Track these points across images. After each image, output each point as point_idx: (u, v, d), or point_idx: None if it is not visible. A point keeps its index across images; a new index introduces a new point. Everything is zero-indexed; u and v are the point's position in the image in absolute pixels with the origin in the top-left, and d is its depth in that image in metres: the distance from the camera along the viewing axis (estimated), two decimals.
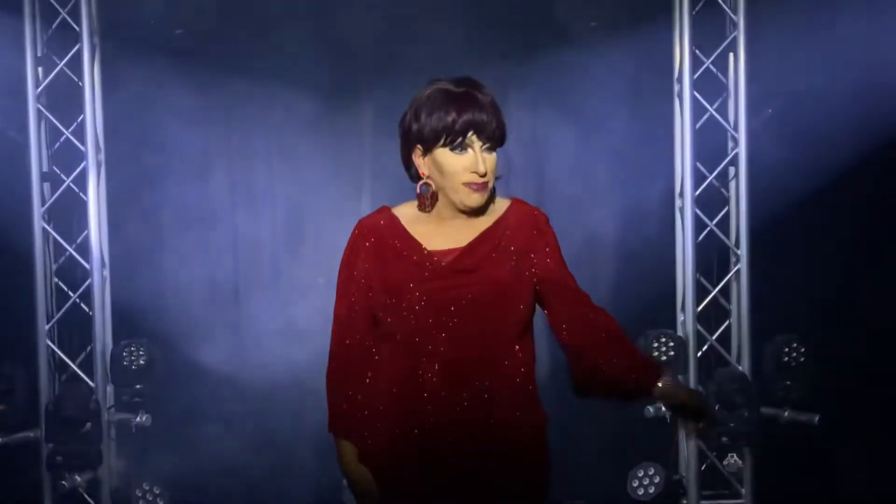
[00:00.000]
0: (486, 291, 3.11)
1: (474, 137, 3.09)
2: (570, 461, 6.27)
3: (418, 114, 3.12)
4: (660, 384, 3.13)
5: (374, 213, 3.26)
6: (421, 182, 3.16)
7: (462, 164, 3.10)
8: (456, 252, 3.15)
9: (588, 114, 6.69)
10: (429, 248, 3.17)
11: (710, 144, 6.39)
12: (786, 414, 6.36)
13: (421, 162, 3.15)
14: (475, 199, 3.14)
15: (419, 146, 3.14)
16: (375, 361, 3.22)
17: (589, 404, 6.65)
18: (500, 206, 3.24)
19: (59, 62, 6.17)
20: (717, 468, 6.49)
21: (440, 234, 3.20)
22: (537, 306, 3.21)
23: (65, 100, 6.26)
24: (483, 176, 3.11)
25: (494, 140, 3.12)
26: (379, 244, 3.21)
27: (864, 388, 6.47)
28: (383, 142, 6.31)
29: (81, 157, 6.23)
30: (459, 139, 3.09)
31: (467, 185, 3.12)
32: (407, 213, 3.23)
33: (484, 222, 3.19)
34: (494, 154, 3.14)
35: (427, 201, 3.17)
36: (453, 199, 3.15)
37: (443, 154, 3.10)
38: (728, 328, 6.52)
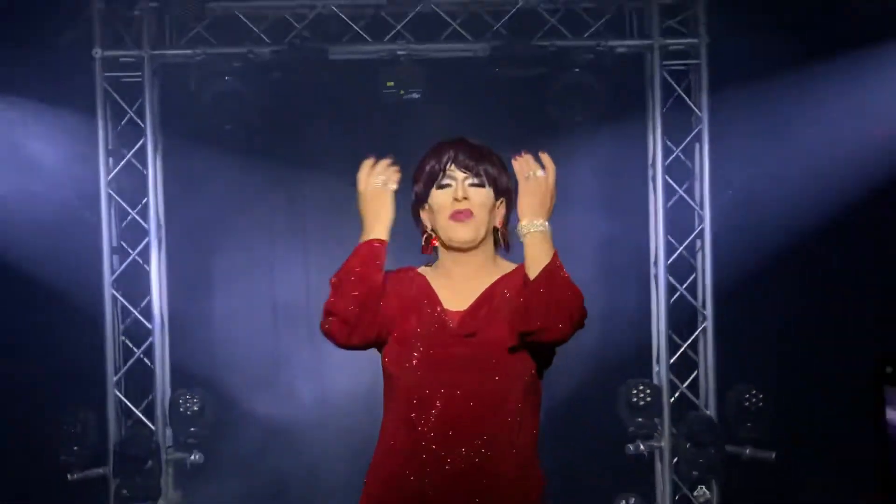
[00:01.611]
0: (484, 355, 2.95)
1: (454, 167, 2.99)
2: (560, 490, 6.49)
3: (417, 170, 3.07)
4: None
5: (400, 269, 3.13)
6: (424, 235, 3.08)
7: (448, 198, 3.00)
8: (463, 314, 3.01)
9: (574, 194, 6.87)
10: (445, 307, 3.02)
11: (680, 220, 6.85)
12: (747, 451, 6.75)
13: (424, 216, 3.06)
14: (459, 233, 2.99)
15: (421, 201, 3.06)
16: (386, 414, 3.07)
17: (581, 444, 7.21)
18: (506, 267, 3.07)
19: (126, 154, 6.78)
20: (689, 499, 6.86)
21: (453, 292, 3.05)
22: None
23: (131, 185, 6.77)
24: (462, 201, 2.98)
25: (477, 174, 3.00)
26: (402, 287, 3.07)
27: (814, 429, 6.76)
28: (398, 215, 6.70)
29: (145, 233, 6.75)
30: (441, 173, 3.01)
31: (452, 217, 2.99)
32: (426, 270, 3.11)
33: (486, 282, 3.03)
34: (484, 189, 2.98)
35: (427, 247, 3.09)
36: (445, 240, 3.03)
37: (433, 195, 3.02)
38: (696, 377, 6.93)
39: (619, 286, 7.12)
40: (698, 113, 6.81)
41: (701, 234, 6.87)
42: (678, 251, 6.87)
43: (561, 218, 7.06)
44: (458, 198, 2.95)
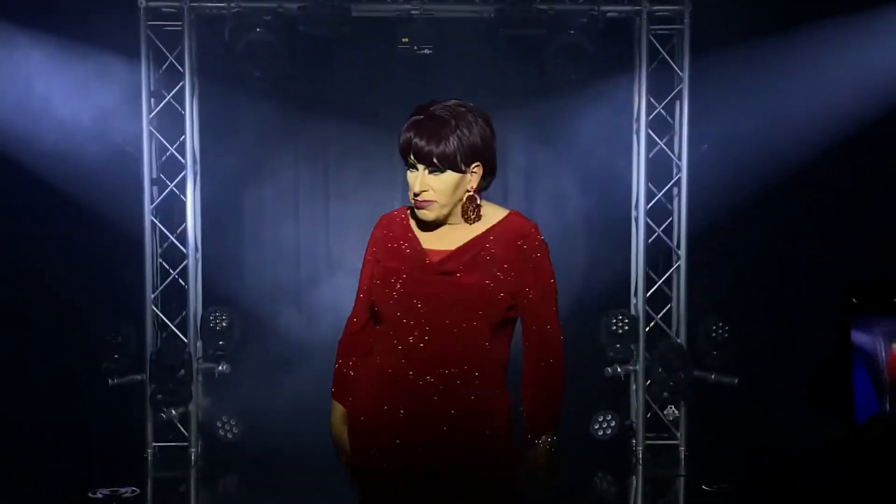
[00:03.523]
0: (457, 294, 3.06)
1: (415, 159, 3.06)
2: None
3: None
4: (537, 443, 3.11)
5: (395, 210, 3.27)
6: None
7: (413, 180, 3.09)
8: (445, 254, 3.11)
9: (567, 144, 7.48)
10: (425, 246, 3.14)
11: (660, 170, 7.15)
12: (712, 377, 7.15)
13: None
14: (422, 215, 3.11)
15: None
16: (376, 335, 3.21)
17: (565, 365, 7.60)
18: (495, 217, 3.15)
19: (166, 95, 7.01)
20: (659, 417, 7.23)
21: (439, 235, 3.15)
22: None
23: (170, 124, 7.03)
24: (417, 195, 3.07)
25: (432, 165, 3.03)
26: (388, 236, 3.19)
27: (773, 357, 7.24)
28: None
29: (182, 167, 7.03)
30: (406, 160, 3.09)
31: (415, 202, 3.11)
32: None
33: (474, 230, 3.13)
34: (445, 174, 3.04)
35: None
36: None
37: (407, 172, 3.13)
38: (670, 310, 7.25)
39: (603, 226, 7.48)
40: (680, 73, 7.04)
41: (678, 183, 7.14)
42: (657, 197, 7.14)
43: (554, 165, 7.64)
44: (416, 191, 3.06)
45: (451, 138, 3.01)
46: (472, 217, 3.12)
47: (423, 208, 3.09)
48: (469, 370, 3.06)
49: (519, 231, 3.11)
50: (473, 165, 3.07)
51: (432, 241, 3.14)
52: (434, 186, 3.04)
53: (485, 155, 3.07)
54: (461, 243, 3.10)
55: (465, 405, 3.07)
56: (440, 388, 3.05)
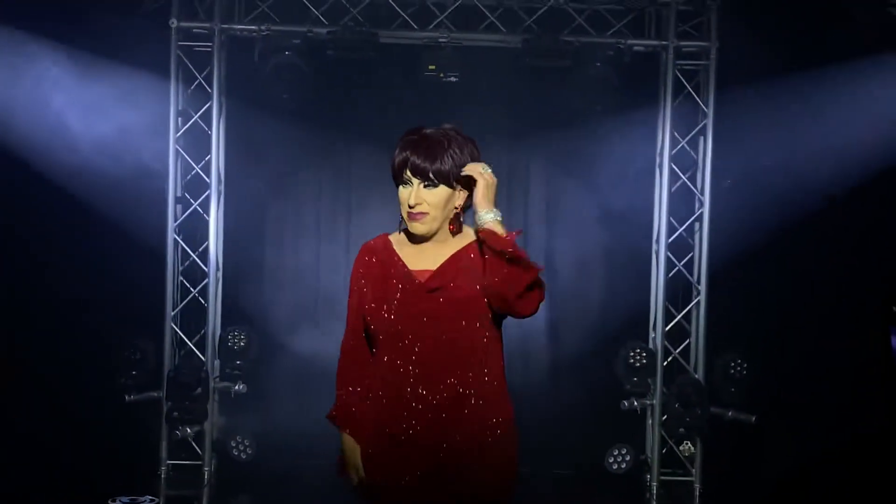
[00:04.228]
0: (448, 307, 3.29)
1: (410, 175, 3.28)
2: (560, 440, 7.28)
3: (392, 159, 3.35)
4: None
5: (375, 238, 3.49)
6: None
7: (406, 195, 3.30)
8: (430, 273, 3.33)
9: (590, 176, 7.53)
10: (410, 268, 3.35)
11: (682, 204, 7.14)
12: (729, 413, 7.08)
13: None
14: (415, 227, 3.33)
15: (394, 181, 3.37)
16: (372, 358, 3.41)
17: (582, 397, 7.53)
18: (471, 234, 3.38)
19: (194, 114, 7.03)
20: (674, 452, 7.16)
21: (421, 256, 3.37)
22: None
23: (196, 143, 7.05)
24: (413, 207, 3.29)
25: (428, 180, 3.26)
26: (374, 262, 3.40)
27: (791, 396, 7.18)
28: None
29: (206, 187, 7.05)
30: (401, 174, 3.30)
31: (409, 215, 3.31)
32: (397, 238, 3.45)
33: (455, 247, 3.37)
34: (438, 189, 3.28)
35: (399, 226, 3.43)
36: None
37: (399, 189, 3.34)
38: (688, 345, 7.22)
39: (624, 260, 7.49)
40: (705, 109, 7.06)
41: (700, 218, 7.12)
42: (678, 231, 7.12)
43: (575, 196, 7.71)
44: (412, 204, 3.28)
45: (446, 156, 3.25)
46: (457, 232, 3.38)
47: (416, 220, 3.30)
48: (473, 379, 3.28)
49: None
50: (459, 187, 3.32)
51: (417, 262, 3.35)
52: (428, 200, 3.27)
53: (472, 176, 3.28)
54: (444, 259, 3.34)
55: (471, 415, 3.28)
56: (446, 400, 3.26)
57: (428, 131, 3.30)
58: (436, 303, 3.29)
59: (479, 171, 3.26)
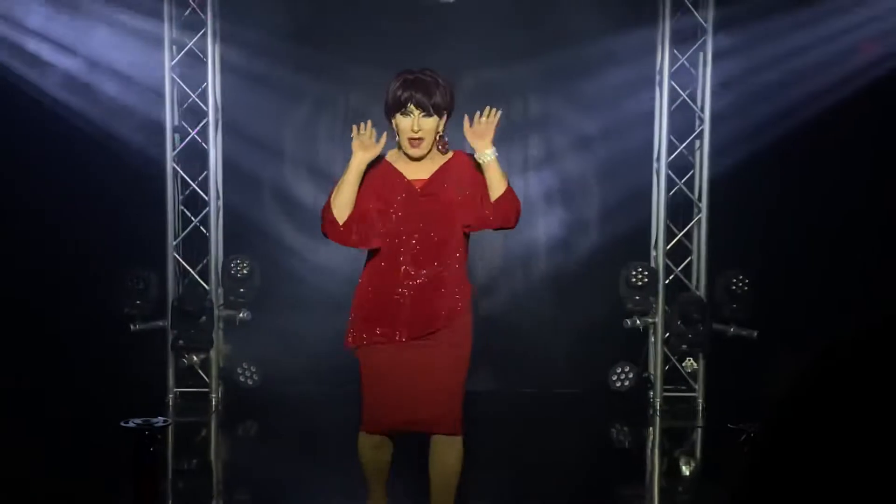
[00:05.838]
0: (440, 209, 4.21)
1: (412, 107, 4.14)
2: (565, 360, 7.40)
3: (387, 92, 4.18)
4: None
5: (373, 162, 4.25)
6: (396, 138, 4.23)
7: (407, 125, 4.16)
8: (424, 181, 4.22)
9: (590, 96, 7.46)
10: (408, 178, 4.23)
11: (682, 122, 7.11)
12: (731, 330, 7.16)
13: (392, 123, 4.21)
14: (413, 152, 4.21)
15: (390, 114, 4.19)
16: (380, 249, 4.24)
17: (585, 316, 7.55)
18: (449, 154, 4.28)
19: (188, 42, 6.92)
20: (677, 369, 7.24)
21: (415, 168, 4.23)
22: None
23: (192, 71, 6.98)
24: (416, 132, 4.15)
25: (428, 109, 4.13)
26: (379, 172, 4.24)
27: (792, 311, 7.15)
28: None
29: (204, 115, 7.00)
30: (403, 106, 4.14)
31: (409, 140, 4.18)
32: (393, 155, 4.30)
33: (439, 162, 4.24)
34: (432, 118, 4.14)
35: (397, 146, 4.26)
36: (403, 149, 4.22)
37: (397, 118, 4.18)
38: (690, 263, 7.24)
39: (624, 178, 7.47)
40: (704, 25, 6.99)
41: (700, 135, 7.11)
42: (679, 149, 7.12)
43: (574, 117, 7.68)
44: (415, 130, 4.16)
45: (438, 92, 4.16)
46: (443, 151, 4.27)
47: (416, 146, 4.18)
48: (450, 264, 4.22)
49: (468, 161, 4.28)
50: (443, 116, 4.24)
51: (412, 173, 4.25)
52: (424, 127, 4.15)
53: (451, 107, 4.26)
54: (433, 171, 4.24)
55: (447, 288, 4.22)
56: (433, 275, 4.20)
57: (420, 73, 4.17)
58: (429, 205, 4.19)
59: (480, 118, 4.25)
